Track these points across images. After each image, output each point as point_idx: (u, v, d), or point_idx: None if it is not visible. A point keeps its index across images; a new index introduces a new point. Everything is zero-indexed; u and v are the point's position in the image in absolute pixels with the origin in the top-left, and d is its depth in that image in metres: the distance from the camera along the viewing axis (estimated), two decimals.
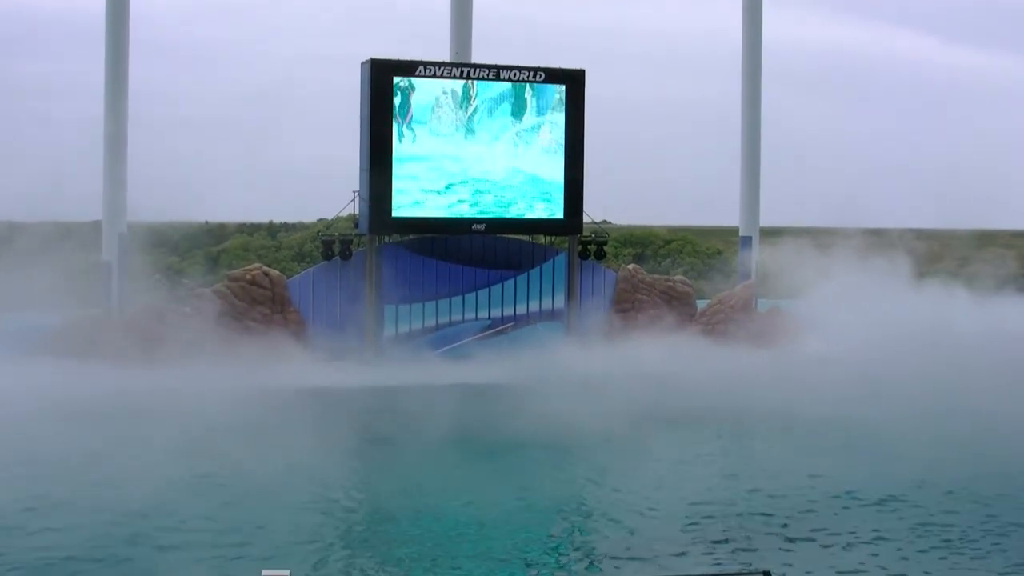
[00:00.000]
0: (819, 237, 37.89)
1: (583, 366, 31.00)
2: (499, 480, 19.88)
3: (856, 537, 16.46)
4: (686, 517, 17.45)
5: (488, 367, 31.93)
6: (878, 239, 38.38)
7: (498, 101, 35.18)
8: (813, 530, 16.80)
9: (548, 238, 37.27)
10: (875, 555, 15.70)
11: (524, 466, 21.20)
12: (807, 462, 20.95)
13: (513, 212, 35.38)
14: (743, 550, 15.81)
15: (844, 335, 32.43)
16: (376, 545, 16.20)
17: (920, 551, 15.90)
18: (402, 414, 26.37)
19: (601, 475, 20.66)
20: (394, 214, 34.18)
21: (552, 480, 20.15)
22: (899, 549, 15.96)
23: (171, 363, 29.44)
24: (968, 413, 24.35)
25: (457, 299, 34.98)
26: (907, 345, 29.90)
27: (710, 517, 17.47)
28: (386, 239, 34.95)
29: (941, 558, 15.67)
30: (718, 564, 15.13)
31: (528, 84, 35.33)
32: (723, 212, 45.16)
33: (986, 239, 74.31)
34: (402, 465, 21.54)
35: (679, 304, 37.80)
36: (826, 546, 16.14)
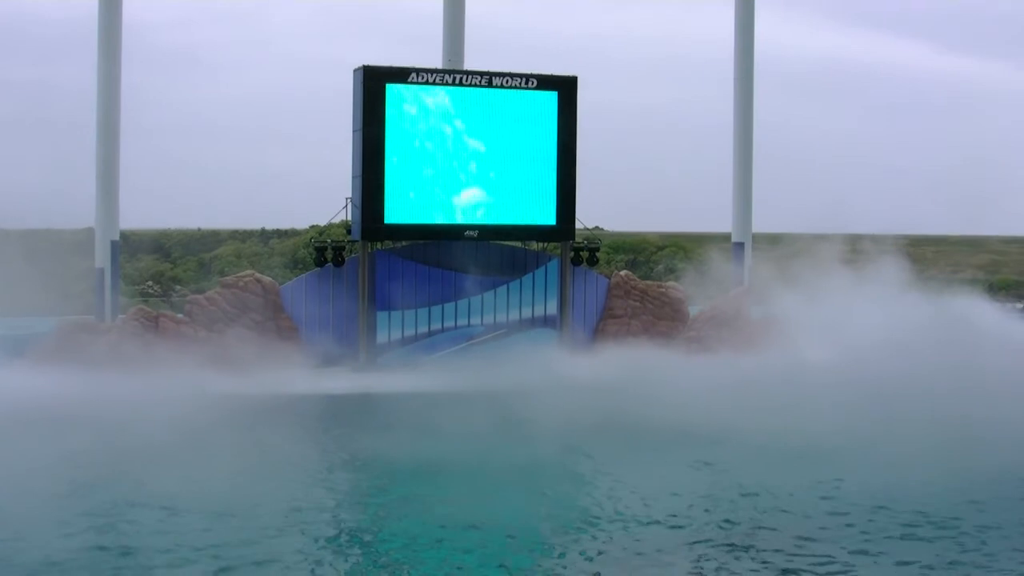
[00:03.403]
0: (812, 243, 37.89)
1: (572, 374, 30.91)
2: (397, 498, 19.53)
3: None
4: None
5: (475, 375, 31.49)
6: (870, 245, 38.38)
7: (491, 107, 35.20)
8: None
9: (541, 244, 37.30)
10: None
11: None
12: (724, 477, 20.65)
13: (506, 218, 35.42)
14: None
15: (836, 343, 32.31)
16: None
17: None
18: (373, 424, 26.31)
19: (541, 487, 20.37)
20: (387, 220, 34.21)
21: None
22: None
23: (159, 370, 29.33)
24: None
25: (450, 305, 34.99)
26: (897, 354, 29.73)
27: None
28: (379, 245, 34.98)
29: None
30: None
31: (520, 91, 35.36)
32: (716, 218, 45.23)
33: (977, 245, 74.59)
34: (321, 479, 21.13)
35: (671, 311, 37.83)
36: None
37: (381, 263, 34.56)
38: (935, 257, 70.39)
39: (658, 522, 17.64)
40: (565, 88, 35.86)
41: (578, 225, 36.32)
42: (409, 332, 34.60)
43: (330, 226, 37.50)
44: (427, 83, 34.51)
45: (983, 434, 23.01)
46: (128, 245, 34.92)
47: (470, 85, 34.97)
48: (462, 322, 35.13)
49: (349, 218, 34.97)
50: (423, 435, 24.13)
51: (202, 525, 17.04)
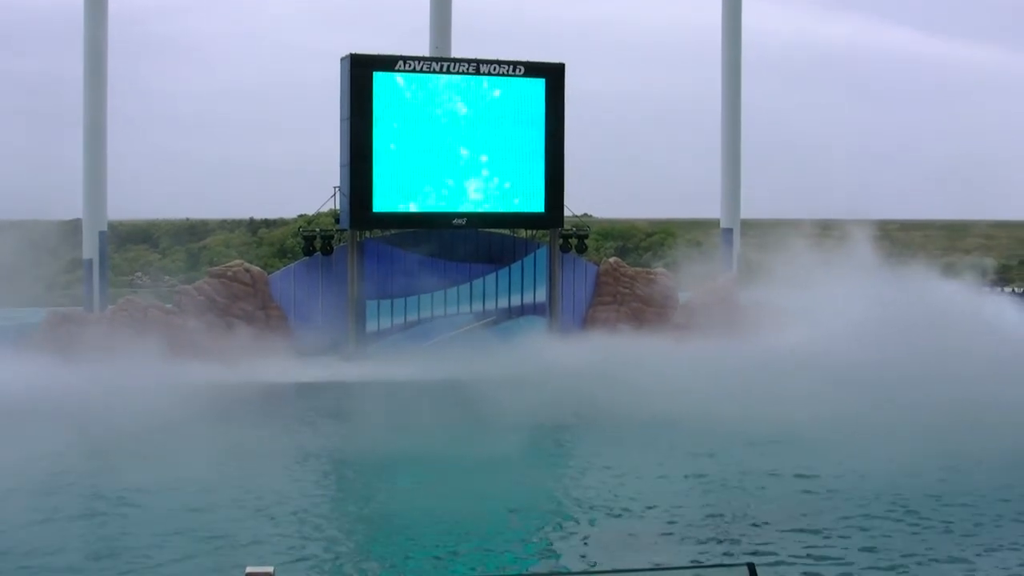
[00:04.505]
0: (798, 228, 37.96)
1: (557, 361, 30.86)
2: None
3: None
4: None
5: (465, 363, 31.23)
6: (855, 230, 38.40)
7: (478, 95, 35.14)
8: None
9: (529, 232, 37.28)
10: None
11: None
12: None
13: (494, 206, 35.37)
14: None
15: (823, 327, 32.32)
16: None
17: None
18: (359, 413, 26.34)
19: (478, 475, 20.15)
20: (375, 209, 34.16)
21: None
22: None
23: (146, 361, 29.17)
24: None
25: (439, 294, 34.95)
26: (879, 338, 29.74)
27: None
28: (367, 234, 34.94)
29: None
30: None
31: (508, 78, 35.30)
32: (705, 204, 45.29)
33: (966, 229, 74.76)
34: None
35: (661, 297, 37.82)
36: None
37: (370, 252, 34.52)
38: (924, 241, 70.59)
39: (644, 506, 17.71)
40: (553, 75, 35.79)
41: (567, 212, 36.33)
42: (399, 320, 34.58)
43: (318, 215, 37.47)
44: (414, 71, 34.42)
45: (965, 418, 23.05)
46: (116, 236, 34.75)
47: (457, 72, 34.89)
48: (451, 310, 35.09)
49: (337, 207, 34.93)
50: (412, 423, 24.15)
51: (188, 512, 17.08)
